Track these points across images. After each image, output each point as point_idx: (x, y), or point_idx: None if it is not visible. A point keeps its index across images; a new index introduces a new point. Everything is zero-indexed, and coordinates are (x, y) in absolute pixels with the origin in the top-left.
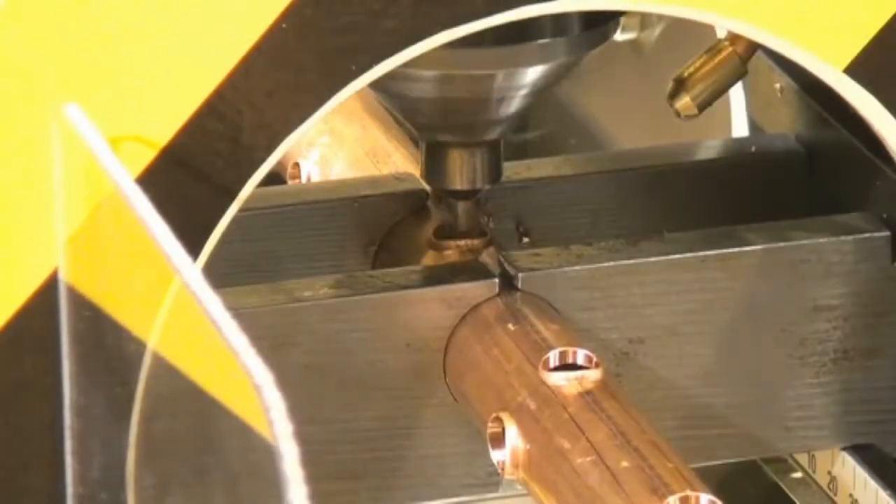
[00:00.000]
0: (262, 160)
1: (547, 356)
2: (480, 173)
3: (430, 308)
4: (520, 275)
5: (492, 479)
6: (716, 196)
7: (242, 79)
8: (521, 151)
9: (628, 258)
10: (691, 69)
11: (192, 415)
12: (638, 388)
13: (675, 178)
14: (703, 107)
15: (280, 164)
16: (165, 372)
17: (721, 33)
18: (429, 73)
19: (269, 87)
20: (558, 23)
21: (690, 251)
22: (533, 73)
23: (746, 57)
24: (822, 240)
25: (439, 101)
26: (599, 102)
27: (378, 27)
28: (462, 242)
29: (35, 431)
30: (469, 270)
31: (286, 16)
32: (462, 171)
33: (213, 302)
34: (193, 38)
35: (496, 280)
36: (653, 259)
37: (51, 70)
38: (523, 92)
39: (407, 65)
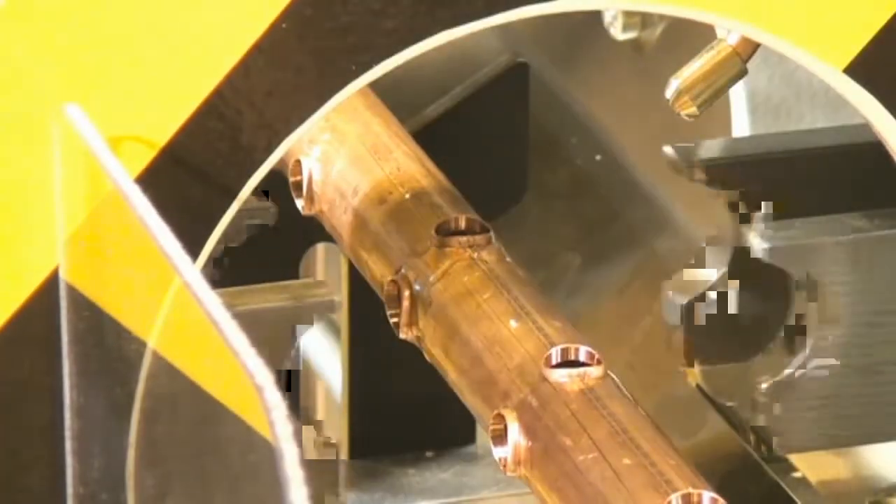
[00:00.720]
0: (262, 160)
1: (549, 353)
2: None
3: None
4: (769, 246)
5: None
6: None
7: (242, 79)
8: (522, 150)
9: (879, 229)
10: (691, 69)
11: (193, 415)
12: (887, 361)
13: None
14: (703, 107)
15: (282, 162)
16: (165, 372)
17: (721, 33)
18: None
19: (269, 87)
20: None
21: None
22: None
23: (746, 57)
24: None
25: None
26: (600, 102)
27: (378, 27)
28: (464, 239)
29: (35, 431)
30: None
31: (286, 16)
32: None
33: (213, 302)
34: (193, 37)
35: (334, 300)
36: None
37: (51, 70)
38: None
39: None
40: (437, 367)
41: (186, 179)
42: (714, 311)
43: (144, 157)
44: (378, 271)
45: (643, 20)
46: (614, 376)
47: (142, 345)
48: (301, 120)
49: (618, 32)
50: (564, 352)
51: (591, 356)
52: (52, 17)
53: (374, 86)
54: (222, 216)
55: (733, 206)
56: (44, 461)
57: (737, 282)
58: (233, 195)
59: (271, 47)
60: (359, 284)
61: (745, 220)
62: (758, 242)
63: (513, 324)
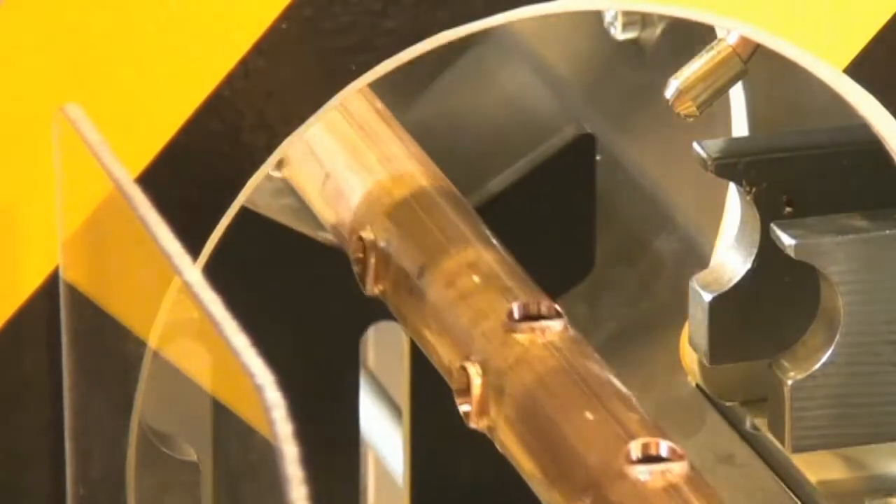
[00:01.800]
0: (262, 160)
1: (628, 447)
2: None
3: None
4: (793, 243)
5: None
6: None
7: (242, 79)
8: (589, 224)
9: (880, 230)
10: (691, 69)
11: (192, 414)
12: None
13: None
14: (703, 107)
15: (342, 238)
16: (165, 372)
17: (721, 33)
18: None
19: (269, 87)
20: None
21: None
22: None
23: (746, 57)
24: None
25: None
26: (599, 102)
27: (378, 27)
28: (537, 324)
29: (35, 431)
30: None
31: (286, 16)
32: None
33: (213, 302)
34: (193, 37)
35: None
36: None
37: (51, 70)
38: None
39: None
40: (510, 459)
41: (186, 179)
42: (740, 307)
43: (144, 157)
44: (446, 356)
45: (643, 20)
46: (698, 471)
47: (142, 345)
48: (301, 120)
49: (618, 32)
50: (645, 446)
51: (674, 451)
52: (52, 16)
53: (438, 160)
54: (222, 216)
55: (761, 202)
56: (44, 461)
57: (764, 278)
58: (233, 195)
59: (271, 47)
60: (420, 365)
61: (774, 216)
62: (786, 239)
63: (589, 416)
